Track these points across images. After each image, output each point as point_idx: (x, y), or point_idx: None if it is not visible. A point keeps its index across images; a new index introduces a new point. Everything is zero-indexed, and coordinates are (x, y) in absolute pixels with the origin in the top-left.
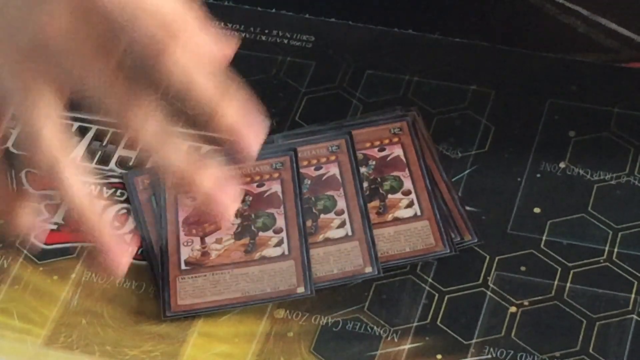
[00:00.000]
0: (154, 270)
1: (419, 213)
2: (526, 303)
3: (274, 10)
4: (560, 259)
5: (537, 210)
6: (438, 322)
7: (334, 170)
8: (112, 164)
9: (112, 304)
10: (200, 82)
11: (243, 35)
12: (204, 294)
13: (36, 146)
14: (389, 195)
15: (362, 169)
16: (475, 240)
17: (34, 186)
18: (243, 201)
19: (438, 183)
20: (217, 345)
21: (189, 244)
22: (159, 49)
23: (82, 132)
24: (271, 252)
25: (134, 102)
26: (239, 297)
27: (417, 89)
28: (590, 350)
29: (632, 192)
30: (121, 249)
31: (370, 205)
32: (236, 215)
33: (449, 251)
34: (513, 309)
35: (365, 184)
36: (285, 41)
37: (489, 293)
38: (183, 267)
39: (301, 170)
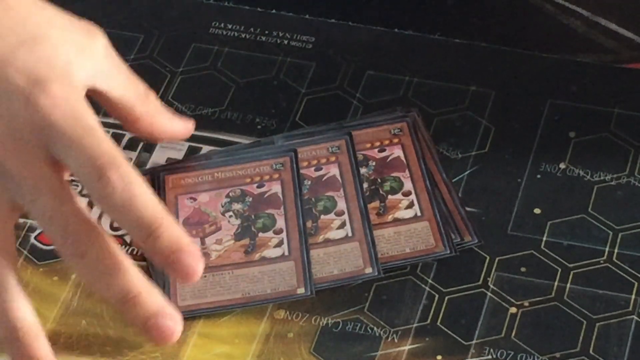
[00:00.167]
0: (154, 270)
1: (419, 214)
2: (526, 304)
3: (274, 10)
4: (561, 259)
5: (537, 211)
6: (438, 323)
7: (334, 171)
8: None
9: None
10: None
11: (243, 35)
12: (204, 295)
13: None
14: (389, 196)
15: (362, 170)
16: (476, 241)
17: None
18: (243, 201)
19: (438, 184)
20: (217, 346)
21: None
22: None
23: None
24: (271, 253)
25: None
26: (239, 297)
27: (417, 89)
28: (591, 351)
29: (632, 193)
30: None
31: (370, 206)
32: (236, 216)
33: (449, 252)
34: (513, 309)
35: (365, 185)
36: (286, 42)
37: (489, 294)
38: None
39: (301, 171)
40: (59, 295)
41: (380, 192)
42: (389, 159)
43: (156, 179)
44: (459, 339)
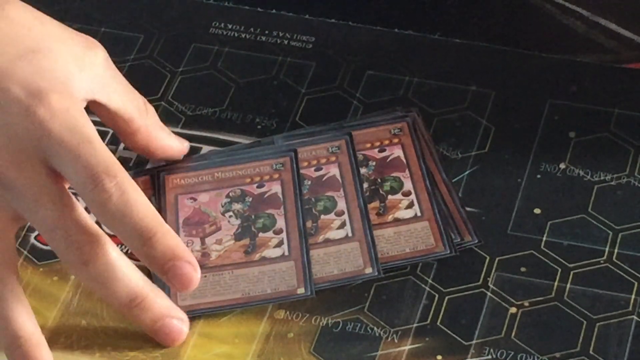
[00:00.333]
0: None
1: (419, 214)
2: (526, 304)
3: (274, 11)
4: (561, 259)
5: (537, 211)
6: (438, 323)
7: (334, 171)
8: None
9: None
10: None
11: (243, 35)
12: (204, 295)
13: None
14: (389, 196)
15: (362, 170)
16: (476, 241)
17: None
18: (243, 201)
19: (438, 184)
20: (217, 345)
21: (189, 244)
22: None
23: None
24: (271, 253)
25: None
26: (239, 297)
27: (417, 89)
28: (591, 351)
29: (632, 193)
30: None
31: (370, 206)
32: (236, 216)
33: (449, 252)
34: (513, 309)
35: (365, 185)
36: (286, 42)
37: (489, 294)
38: None
39: (301, 171)
40: (59, 295)
41: (380, 192)
42: (389, 159)
43: (156, 179)
44: (459, 339)
